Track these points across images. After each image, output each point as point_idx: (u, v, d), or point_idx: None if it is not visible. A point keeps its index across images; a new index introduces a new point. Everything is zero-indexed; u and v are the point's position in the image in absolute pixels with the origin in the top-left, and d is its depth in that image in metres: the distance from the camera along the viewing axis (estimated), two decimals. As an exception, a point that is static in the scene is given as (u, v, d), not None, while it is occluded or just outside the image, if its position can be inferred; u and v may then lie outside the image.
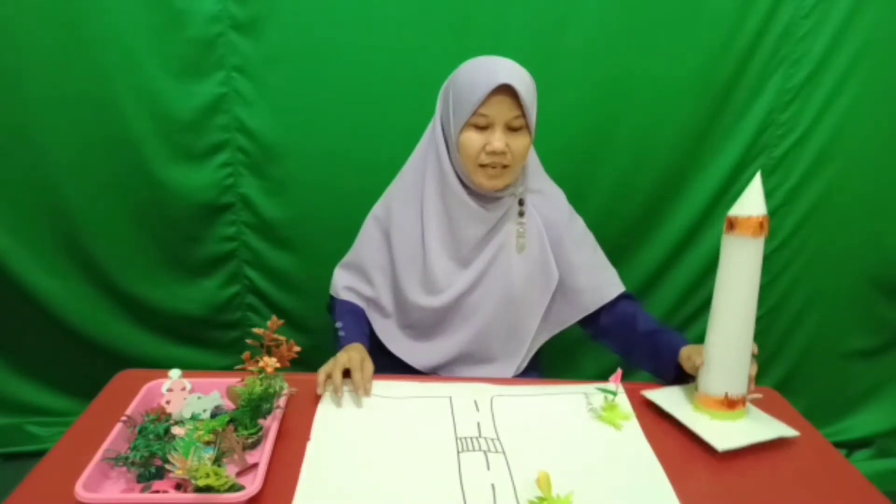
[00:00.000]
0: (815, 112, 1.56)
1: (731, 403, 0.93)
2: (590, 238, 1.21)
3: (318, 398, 0.98)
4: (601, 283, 1.17)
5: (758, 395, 0.99)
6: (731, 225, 0.89)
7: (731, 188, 1.62)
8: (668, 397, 1.00)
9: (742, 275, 0.91)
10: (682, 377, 1.06)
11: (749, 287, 0.91)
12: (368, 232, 1.20)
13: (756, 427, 0.93)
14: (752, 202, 0.88)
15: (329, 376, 0.98)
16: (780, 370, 1.79)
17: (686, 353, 1.02)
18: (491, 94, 1.00)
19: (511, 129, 1.04)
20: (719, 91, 1.53)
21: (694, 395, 0.98)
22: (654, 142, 1.57)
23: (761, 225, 0.88)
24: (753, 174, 0.90)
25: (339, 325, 1.13)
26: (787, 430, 0.93)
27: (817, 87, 1.54)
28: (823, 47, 1.50)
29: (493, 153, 1.03)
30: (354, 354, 1.01)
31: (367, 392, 0.98)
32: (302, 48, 1.44)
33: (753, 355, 0.95)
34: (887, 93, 1.54)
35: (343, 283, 1.22)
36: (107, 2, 1.36)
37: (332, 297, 1.24)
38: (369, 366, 1.01)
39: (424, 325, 1.16)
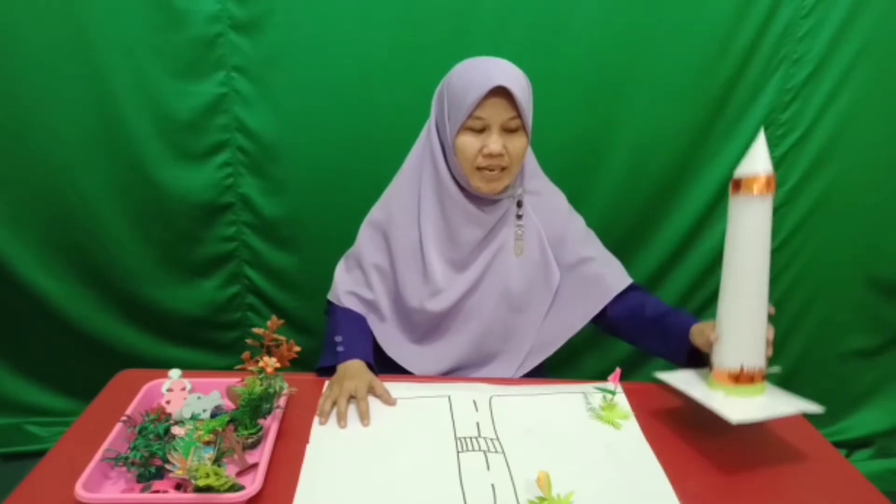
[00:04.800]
0: (815, 112, 1.55)
1: (748, 377, 0.86)
2: (592, 235, 1.21)
3: (317, 398, 0.98)
4: (610, 274, 1.16)
5: (776, 369, 0.92)
6: (737, 186, 0.84)
7: (731, 188, 1.62)
8: (681, 378, 0.96)
9: (752, 236, 0.85)
10: (695, 360, 1.01)
11: (760, 248, 0.85)
12: (366, 235, 1.18)
13: (775, 402, 0.87)
14: (757, 160, 0.83)
15: (334, 403, 0.96)
16: (780, 370, 1.79)
17: (698, 329, 0.98)
18: (486, 96, 0.99)
19: (507, 130, 1.03)
20: (719, 91, 1.53)
21: (709, 376, 0.93)
22: (655, 142, 1.57)
23: (768, 183, 0.82)
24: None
25: (338, 339, 1.10)
26: (809, 406, 0.86)
27: (817, 87, 1.54)
28: (823, 47, 1.50)
29: (491, 156, 1.02)
30: (360, 384, 0.99)
31: (369, 422, 0.94)
32: (302, 48, 1.44)
33: (770, 316, 0.89)
34: (887, 93, 1.53)
35: (344, 287, 1.19)
36: (107, 2, 1.36)
37: (329, 303, 1.21)
38: (378, 386, 1.00)
39: (424, 329, 1.16)
